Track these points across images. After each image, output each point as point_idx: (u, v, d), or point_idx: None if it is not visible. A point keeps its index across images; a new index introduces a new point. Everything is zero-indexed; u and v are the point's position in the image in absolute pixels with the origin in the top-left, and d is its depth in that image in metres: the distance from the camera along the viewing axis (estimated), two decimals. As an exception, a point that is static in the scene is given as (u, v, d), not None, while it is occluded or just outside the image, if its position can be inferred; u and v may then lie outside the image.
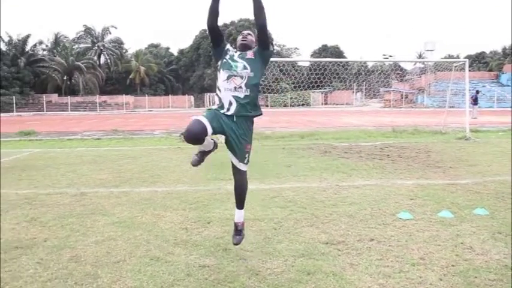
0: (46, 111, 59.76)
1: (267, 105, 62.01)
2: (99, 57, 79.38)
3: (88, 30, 79.15)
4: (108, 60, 79.29)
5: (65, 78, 71.17)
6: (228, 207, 6.42)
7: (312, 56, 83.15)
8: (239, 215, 4.47)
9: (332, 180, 8.39)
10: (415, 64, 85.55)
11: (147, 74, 77.30)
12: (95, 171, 9.95)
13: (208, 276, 4.04)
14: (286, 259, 4.41)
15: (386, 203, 6.55)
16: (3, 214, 6.30)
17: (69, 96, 64.67)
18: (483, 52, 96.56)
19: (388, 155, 11.80)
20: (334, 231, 5.30)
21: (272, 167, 9.99)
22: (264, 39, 4.38)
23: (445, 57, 79.09)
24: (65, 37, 77.96)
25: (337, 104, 66.14)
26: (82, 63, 69.50)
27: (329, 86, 59.84)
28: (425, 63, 66.15)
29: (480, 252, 4.51)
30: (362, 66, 67.91)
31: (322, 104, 68.78)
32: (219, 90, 4.25)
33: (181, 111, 56.50)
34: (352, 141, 15.40)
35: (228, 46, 4.43)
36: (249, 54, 4.35)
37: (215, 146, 4.67)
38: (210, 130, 4.05)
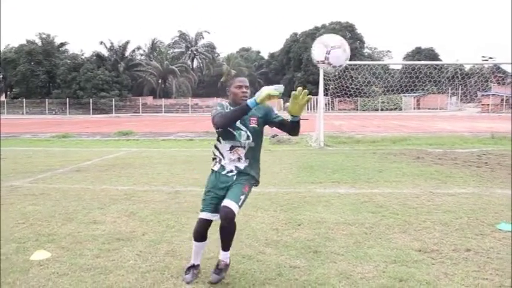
0: (142, 112, 62.99)
1: (356, 109, 61.15)
2: (192, 61, 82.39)
3: (182, 36, 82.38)
4: (201, 64, 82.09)
5: (159, 81, 74.61)
6: (319, 211, 6.44)
7: (404, 58, 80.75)
8: (224, 256, 4.11)
9: (425, 186, 8.13)
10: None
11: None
12: (188, 170, 10.33)
13: (299, 277, 4.08)
14: (377, 264, 4.35)
15: (485, 213, 6.24)
16: (105, 208, 6.74)
17: (163, 99, 67.76)
18: None
19: (486, 163, 11.20)
20: (427, 239, 5.14)
21: (363, 172, 9.85)
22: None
23: (552, 60, 73.58)
24: (161, 42, 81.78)
25: (430, 109, 63.71)
26: (176, 67, 72.53)
27: (422, 89, 57.79)
28: (529, 65, 61.93)
29: None
30: (458, 69, 64.91)
31: (414, 108, 66.56)
32: (222, 156, 4.11)
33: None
34: (446, 148, 14.78)
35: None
36: (253, 121, 4.05)
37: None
38: (215, 217, 4.05)
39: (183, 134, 22.82)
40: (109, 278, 4.10)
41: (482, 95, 57.95)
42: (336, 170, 10.14)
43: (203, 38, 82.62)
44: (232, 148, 4.04)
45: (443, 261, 4.45)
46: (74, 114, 60.84)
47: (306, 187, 8.22)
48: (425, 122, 32.09)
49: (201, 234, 4.14)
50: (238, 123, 3.97)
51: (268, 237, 5.24)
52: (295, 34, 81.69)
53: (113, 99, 63.38)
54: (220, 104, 4.08)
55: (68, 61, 68.23)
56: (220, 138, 4.08)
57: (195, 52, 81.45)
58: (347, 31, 76.76)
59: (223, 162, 4.10)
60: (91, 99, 63.16)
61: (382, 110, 60.33)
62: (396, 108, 61.73)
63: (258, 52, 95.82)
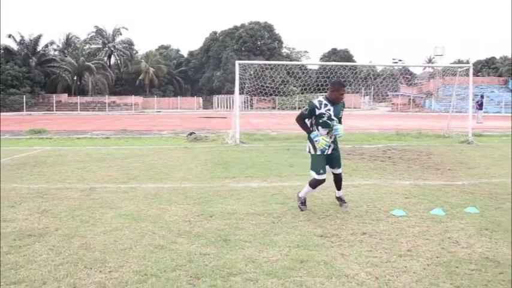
0: (56, 110, 60.45)
1: (275, 108, 62.37)
2: (109, 57, 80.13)
3: (99, 31, 79.91)
4: (118, 61, 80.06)
5: (75, 78, 71.93)
6: (231, 203, 6.75)
7: (321, 59, 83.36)
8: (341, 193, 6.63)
9: (332, 179, 8.64)
10: (424, 69, 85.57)
11: (157, 75, 77.83)
12: (103, 168, 10.29)
13: (209, 262, 4.34)
14: (281, 249, 4.71)
15: (382, 201, 6.84)
16: (16, 206, 6.65)
17: (78, 96, 65.34)
18: (493, 57, 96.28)
19: (389, 157, 12.06)
20: (329, 225, 5.59)
21: (275, 167, 10.29)
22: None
23: (455, 62, 78.97)
24: (76, 38, 78.83)
25: (345, 107, 66.09)
26: (92, 64, 70.20)
27: (337, 89, 59.84)
28: (434, 67, 66.19)
29: (465, 246, 4.79)
30: (371, 70, 68.04)
31: (330, 107, 68.69)
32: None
33: (189, 112, 56.98)
34: (355, 144, 15.65)
35: (320, 110, 6.05)
36: (341, 112, 6.25)
37: None
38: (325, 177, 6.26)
39: (99, 132, 22.38)
40: (20, 272, 4.15)
41: (392, 95, 61.20)
42: (249, 165, 10.52)
43: (121, 34, 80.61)
44: (328, 133, 6.16)
45: (341, 244, 4.90)
46: (-20, 112, 57.32)
47: (219, 182, 8.51)
48: (339, 120, 33.36)
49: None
50: (333, 116, 6.08)
51: (181, 228, 5.46)
52: (215, 33, 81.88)
53: (24, 96, 60.11)
54: (319, 101, 6.08)
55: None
56: (319, 126, 6.14)
57: (112, 49, 79.26)
58: (266, 31, 78.03)
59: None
60: (-1, 96, 59.66)
61: (299, 108, 61.67)
62: (313, 107, 63.49)
63: (178, 50, 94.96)
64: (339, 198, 6.60)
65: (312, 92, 50.30)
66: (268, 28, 78.53)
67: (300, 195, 6.43)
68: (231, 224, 5.63)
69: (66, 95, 67.59)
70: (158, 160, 11.57)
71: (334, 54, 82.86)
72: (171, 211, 6.31)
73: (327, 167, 6.32)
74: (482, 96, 34.54)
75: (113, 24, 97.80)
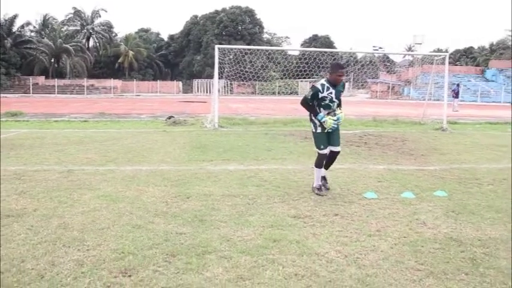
0: (32, 93, 59.57)
1: (255, 93, 62.42)
2: (88, 40, 79.04)
3: (77, 13, 78.63)
4: (97, 44, 78.98)
5: (52, 60, 70.81)
6: (207, 185, 6.88)
7: (302, 45, 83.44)
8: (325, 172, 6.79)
9: (308, 163, 8.83)
10: (404, 57, 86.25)
11: (136, 59, 77.14)
12: (81, 151, 10.30)
13: (184, 241, 4.47)
14: (256, 229, 4.86)
15: (355, 185, 7.04)
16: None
17: (56, 79, 64.52)
18: (471, 47, 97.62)
19: (365, 143, 12.31)
20: (303, 207, 5.77)
21: (253, 150, 10.44)
22: None
23: (434, 51, 79.85)
24: (54, 19, 77.58)
25: (344, 89, 66.46)
26: (70, 46, 69.15)
27: (317, 75, 60.22)
28: (414, 56, 66.80)
29: (431, 227, 5.01)
30: (351, 57, 68.36)
31: (310, 93, 69.08)
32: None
33: (169, 96, 56.69)
34: (333, 129, 15.83)
35: (323, 94, 6.33)
36: (341, 93, 6.52)
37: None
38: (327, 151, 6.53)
39: (77, 115, 22.22)
40: (-2, 250, 4.22)
41: (372, 82, 61.72)
42: (227, 149, 10.65)
43: (100, 16, 79.47)
44: (329, 113, 6.45)
45: (314, 224, 5.07)
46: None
47: (197, 165, 8.63)
48: (318, 106, 33.65)
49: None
50: (334, 98, 6.38)
51: (158, 209, 5.58)
52: (196, 17, 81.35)
53: (-1, 78, 59.13)
54: (322, 85, 6.34)
55: None
56: (321, 108, 6.44)
57: (91, 31, 78.10)
58: (247, 16, 77.75)
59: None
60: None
61: (279, 94, 62.07)
62: (293, 93, 63.76)
63: (158, 34, 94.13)
64: (323, 178, 6.74)
65: (291, 78, 50.57)
66: (250, 13, 78.25)
67: (314, 185, 6.58)
68: (207, 205, 5.77)
69: (43, 77, 66.60)
70: (136, 143, 11.61)
71: (315, 40, 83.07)
72: (148, 192, 6.41)
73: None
74: (458, 85, 35.05)
75: (92, 6, 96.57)
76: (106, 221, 5.11)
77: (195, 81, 67.73)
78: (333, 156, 6.64)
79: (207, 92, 60.52)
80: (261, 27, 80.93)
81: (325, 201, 6.05)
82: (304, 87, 68.37)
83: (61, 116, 21.22)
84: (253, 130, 15.36)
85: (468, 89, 56.56)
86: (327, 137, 6.52)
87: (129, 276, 3.69)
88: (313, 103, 6.47)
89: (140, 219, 5.18)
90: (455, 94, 32.17)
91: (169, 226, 4.93)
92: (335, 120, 6.40)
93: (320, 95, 6.35)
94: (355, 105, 36.48)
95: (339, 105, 6.57)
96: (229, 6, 78.77)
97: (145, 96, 56.57)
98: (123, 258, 4.03)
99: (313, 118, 6.55)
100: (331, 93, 6.36)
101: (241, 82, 49.41)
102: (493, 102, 52.49)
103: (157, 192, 6.45)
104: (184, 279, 3.63)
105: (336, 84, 6.40)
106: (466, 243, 4.51)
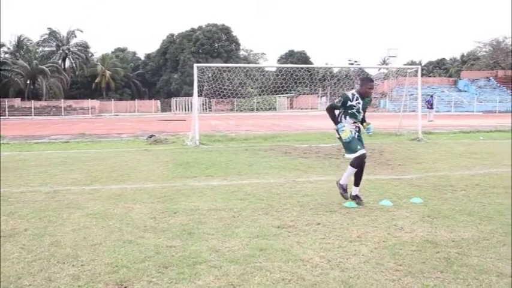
0: (8, 115, 58.91)
1: (233, 109, 62.74)
2: (64, 60, 78.76)
3: (53, 33, 78.44)
4: (74, 64, 78.73)
5: (28, 82, 70.26)
6: (193, 200, 7.09)
7: (278, 61, 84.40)
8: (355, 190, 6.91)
9: (289, 176, 9.14)
10: (379, 70, 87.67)
11: (113, 78, 77.03)
12: (65, 171, 10.40)
13: (175, 253, 4.67)
14: (242, 240, 5.09)
15: (336, 195, 7.29)
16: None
17: (32, 101, 63.93)
18: (444, 59, 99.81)
19: (344, 155, 12.57)
20: (286, 217, 6.02)
21: (235, 166, 10.69)
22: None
23: (408, 63, 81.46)
24: (28, 40, 77.11)
25: (302, 108, 67.35)
26: (46, 67, 68.83)
27: (294, 90, 60.97)
28: (388, 69, 68.04)
29: (408, 231, 5.31)
30: (327, 71, 69.43)
31: (287, 108, 69.92)
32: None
33: (147, 115, 56.66)
34: (312, 143, 16.22)
35: (351, 102, 6.65)
36: (367, 106, 6.86)
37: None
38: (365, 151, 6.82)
39: (57, 136, 22.16)
40: (-6, 269, 4.35)
41: (349, 95, 62.47)
42: (209, 165, 10.87)
43: (75, 36, 79.46)
44: (355, 122, 6.80)
45: (297, 233, 5.32)
46: None
47: (181, 181, 8.83)
48: (297, 121, 34.19)
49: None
50: (360, 109, 6.73)
51: (147, 224, 5.76)
52: (172, 35, 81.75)
53: (-27, 101, 58.46)
54: (352, 94, 6.68)
55: None
56: (347, 116, 6.76)
57: (66, 51, 77.88)
58: (223, 33, 78.43)
59: (351, 127, 6.75)
60: None
61: (257, 110, 62.60)
62: (271, 108, 64.37)
63: (134, 53, 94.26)
64: (357, 197, 6.85)
65: (270, 94, 51.08)
66: (226, 30, 79.03)
67: (341, 182, 6.80)
68: (194, 219, 5.97)
69: (19, 99, 66.01)
70: (120, 162, 11.75)
71: (291, 56, 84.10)
72: (136, 209, 6.59)
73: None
74: (432, 96, 35.92)
75: (67, 26, 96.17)
76: (97, 237, 5.27)
77: (173, 100, 67.92)
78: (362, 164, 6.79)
79: (185, 110, 60.71)
80: (237, 44, 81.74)
81: (307, 212, 6.31)
82: (282, 102, 69.20)
83: (41, 138, 21.15)
84: (234, 146, 15.60)
85: (442, 99, 57.86)
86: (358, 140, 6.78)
87: (125, 287, 3.88)
88: (336, 111, 6.78)
89: (130, 234, 5.35)
90: (430, 105, 32.95)
91: (159, 240, 5.12)
92: (368, 131, 6.95)
93: (349, 103, 6.63)
94: (332, 119, 37.00)
95: (363, 119, 6.91)
96: (206, 24, 79.50)
97: (123, 116, 56.44)
98: (117, 272, 4.21)
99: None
100: (359, 103, 6.67)
101: (220, 99, 49.70)
102: (466, 111, 53.74)
103: (145, 208, 6.63)
104: (178, 288, 3.83)
105: (365, 97, 6.73)
106: (441, 244, 4.81)
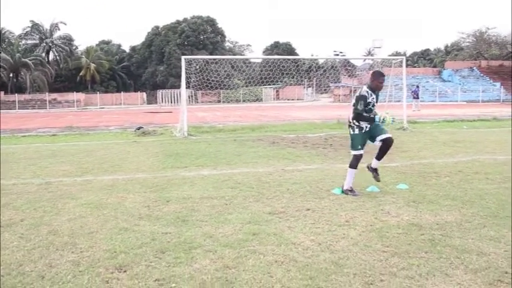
0: (-8, 109, 58.24)
1: (220, 101, 62.77)
2: (47, 53, 77.91)
3: (35, 26, 77.47)
4: (58, 57, 77.94)
5: (11, 75, 69.46)
6: (185, 189, 7.24)
7: (264, 52, 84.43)
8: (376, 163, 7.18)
9: (278, 165, 9.34)
10: (364, 60, 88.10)
11: (98, 71, 76.41)
12: (56, 163, 10.47)
13: (171, 239, 4.84)
14: (235, 225, 5.27)
15: (324, 182, 7.54)
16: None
17: (16, 94, 63.24)
18: (428, 49, 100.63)
19: (331, 144, 12.87)
20: (277, 204, 6.22)
21: (224, 156, 10.86)
22: None
23: (393, 54, 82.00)
24: (11, 33, 76.05)
25: (288, 99, 67.57)
26: (29, 60, 68.06)
27: (280, 81, 61.15)
28: (373, 59, 68.45)
29: (394, 215, 5.54)
30: (313, 62, 69.70)
31: (274, 99, 70.09)
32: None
33: (133, 108, 56.46)
34: (299, 133, 16.44)
35: (369, 99, 6.79)
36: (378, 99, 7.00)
37: None
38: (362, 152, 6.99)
39: (44, 129, 22.10)
40: (-6, 257, 4.47)
41: (334, 86, 62.95)
42: (199, 156, 11.03)
43: (59, 29, 78.50)
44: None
45: (288, 218, 5.52)
46: None
47: (172, 171, 8.98)
48: (283, 112, 34.38)
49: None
50: (375, 103, 6.87)
51: (141, 213, 5.92)
52: (157, 27, 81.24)
53: (-46, 95, 57.62)
54: (366, 92, 6.79)
55: None
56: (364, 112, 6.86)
57: (50, 44, 77.04)
58: (208, 25, 78.18)
59: (362, 124, 6.87)
60: None
61: (244, 101, 62.67)
62: (257, 100, 64.48)
63: (119, 45, 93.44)
64: (375, 170, 7.18)
65: (256, 85, 51.19)
66: (211, 22, 78.76)
67: (345, 188, 6.84)
68: (187, 207, 6.14)
69: (3, 92, 65.14)
70: (109, 154, 11.84)
71: (276, 47, 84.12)
72: (129, 199, 6.73)
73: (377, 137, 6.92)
74: (418, 87, 36.33)
75: (50, 19, 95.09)
76: (94, 225, 5.42)
77: (159, 92, 67.59)
78: (388, 143, 6.90)
79: (171, 103, 60.46)
80: (223, 35, 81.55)
81: (297, 198, 6.51)
82: (268, 93, 69.35)
83: (28, 131, 21.09)
84: (222, 137, 15.76)
85: (427, 89, 58.38)
86: (371, 132, 6.91)
87: (125, 271, 4.04)
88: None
89: (126, 222, 5.51)
90: (416, 95, 33.33)
91: (155, 227, 5.28)
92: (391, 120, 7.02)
93: (367, 100, 6.79)
94: (319, 109, 37.35)
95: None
96: (191, 16, 79.16)
97: (109, 109, 56.16)
98: (116, 257, 4.36)
99: (351, 121, 6.95)
100: (373, 98, 6.85)
101: (207, 91, 49.76)
102: (450, 101, 54.33)
103: (138, 198, 6.78)
104: (176, 271, 4.00)
105: (377, 90, 6.93)
106: (425, 227, 5.04)
